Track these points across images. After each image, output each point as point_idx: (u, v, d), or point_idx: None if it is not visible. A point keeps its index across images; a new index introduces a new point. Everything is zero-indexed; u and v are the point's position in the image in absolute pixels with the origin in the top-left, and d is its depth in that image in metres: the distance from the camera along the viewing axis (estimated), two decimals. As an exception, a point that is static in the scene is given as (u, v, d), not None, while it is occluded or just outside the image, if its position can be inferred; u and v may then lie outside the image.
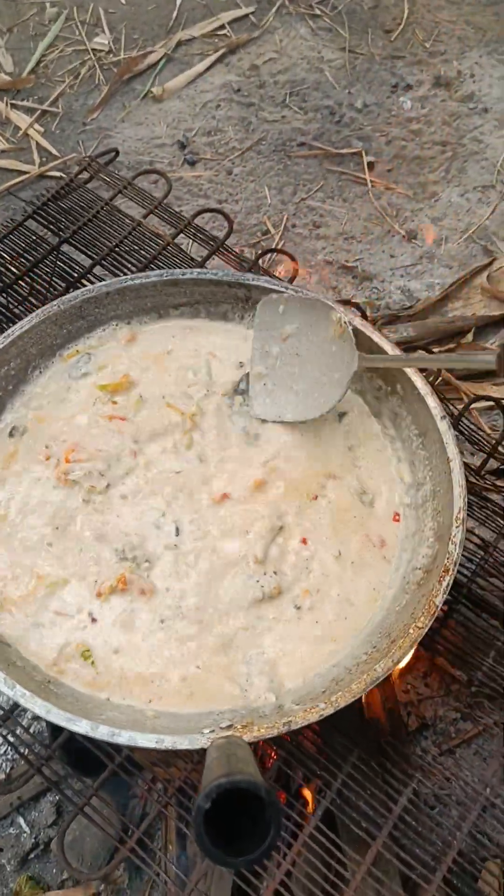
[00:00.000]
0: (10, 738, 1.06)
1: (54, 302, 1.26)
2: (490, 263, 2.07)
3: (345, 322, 1.17)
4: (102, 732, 0.90)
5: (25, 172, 2.18)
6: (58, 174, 2.20)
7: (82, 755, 1.13)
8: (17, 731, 1.16)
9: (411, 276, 2.06)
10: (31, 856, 1.30)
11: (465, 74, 2.51)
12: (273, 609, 1.07)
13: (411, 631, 0.98)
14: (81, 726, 0.91)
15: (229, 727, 0.94)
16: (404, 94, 2.46)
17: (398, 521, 1.17)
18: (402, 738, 1.38)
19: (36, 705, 0.91)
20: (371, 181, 2.24)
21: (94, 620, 1.05)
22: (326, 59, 2.53)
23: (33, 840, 1.30)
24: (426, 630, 0.98)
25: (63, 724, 0.91)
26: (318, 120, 2.37)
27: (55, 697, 0.96)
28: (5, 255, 1.51)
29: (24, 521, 1.11)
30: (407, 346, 1.81)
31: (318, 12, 2.65)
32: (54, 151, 2.24)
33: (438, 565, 1.04)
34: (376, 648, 1.02)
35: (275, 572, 1.09)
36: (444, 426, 1.14)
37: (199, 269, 1.33)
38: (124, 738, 0.90)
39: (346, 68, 2.51)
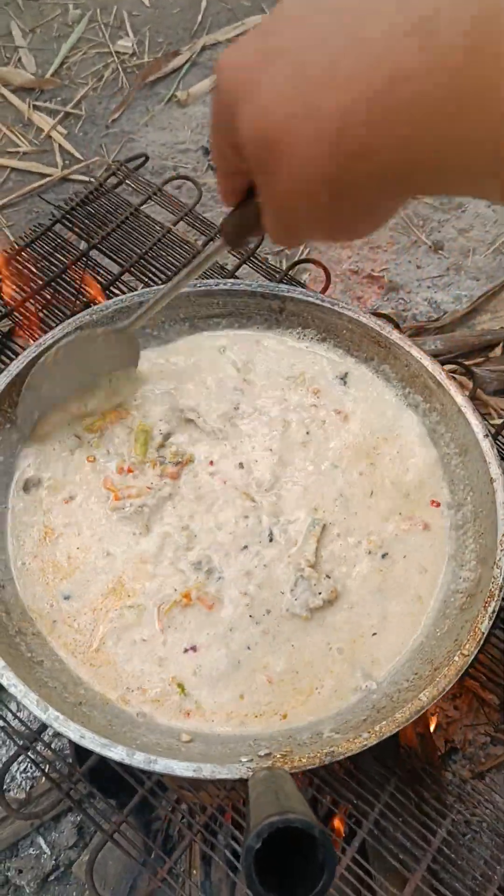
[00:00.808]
0: (38, 760, 1.03)
1: (86, 311, 1.24)
2: (518, 276, 2.04)
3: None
4: (138, 760, 0.87)
5: (48, 175, 2.15)
6: (81, 177, 2.17)
7: (108, 776, 1.10)
8: (40, 749, 1.13)
9: (438, 287, 2.03)
10: (52, 878, 1.26)
11: None
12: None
13: (456, 658, 0.95)
14: (117, 753, 0.87)
15: (268, 755, 0.91)
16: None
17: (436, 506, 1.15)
18: (437, 764, 1.34)
19: (70, 730, 0.88)
20: (397, 190, 2.21)
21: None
22: (352, 66, 2.50)
23: (54, 861, 1.26)
24: (472, 658, 0.96)
25: (98, 750, 0.88)
26: (343, 127, 2.34)
27: (87, 719, 0.93)
28: (32, 261, 1.48)
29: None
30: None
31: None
32: (77, 154, 2.22)
33: (483, 590, 1.01)
34: (418, 675, 0.99)
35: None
36: (486, 445, 1.11)
37: (232, 280, 1.30)
38: (161, 765, 0.87)
39: (371, 76, 2.48)
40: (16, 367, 1.16)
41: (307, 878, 0.69)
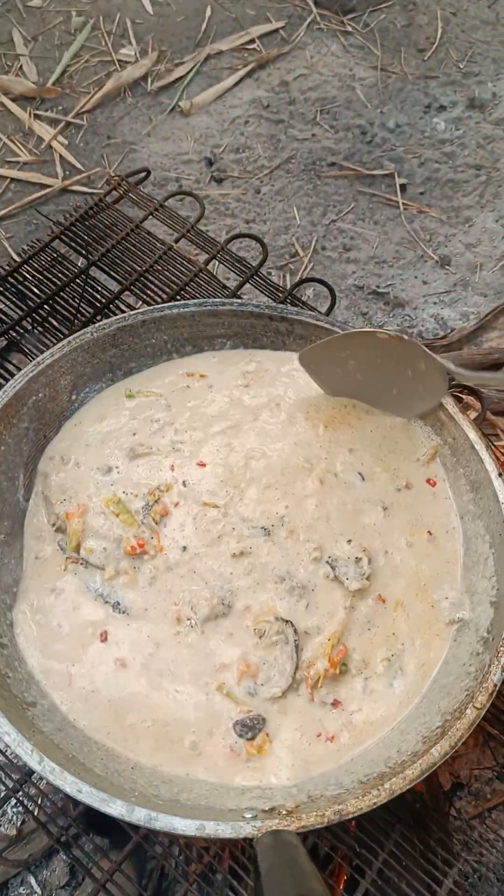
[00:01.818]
0: (28, 805, 0.98)
1: (87, 329, 1.20)
2: (526, 293, 2.00)
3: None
4: (139, 817, 0.83)
5: (48, 186, 2.11)
6: (81, 188, 2.13)
7: (102, 816, 1.06)
8: (29, 789, 1.08)
9: (445, 303, 1.99)
10: (43, 919, 1.22)
11: (501, 97, 2.45)
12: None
13: (469, 711, 0.90)
14: (116, 808, 0.83)
15: (272, 810, 0.87)
16: (437, 115, 2.39)
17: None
18: (442, 808, 1.30)
19: (66, 783, 0.84)
20: (403, 204, 2.17)
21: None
22: (358, 76, 2.47)
23: (45, 903, 1.22)
24: (485, 711, 0.91)
25: (96, 805, 0.83)
26: (348, 139, 2.30)
27: (83, 770, 0.88)
28: (30, 277, 1.44)
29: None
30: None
31: (349, 29, 2.58)
32: (78, 165, 2.17)
33: (495, 637, 0.96)
34: (427, 726, 0.95)
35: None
36: (499, 484, 1.07)
37: (238, 301, 1.26)
38: (161, 823, 0.83)
39: (377, 87, 2.44)
40: (12, 387, 1.12)
41: None
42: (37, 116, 2.27)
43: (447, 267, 2.07)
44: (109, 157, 2.20)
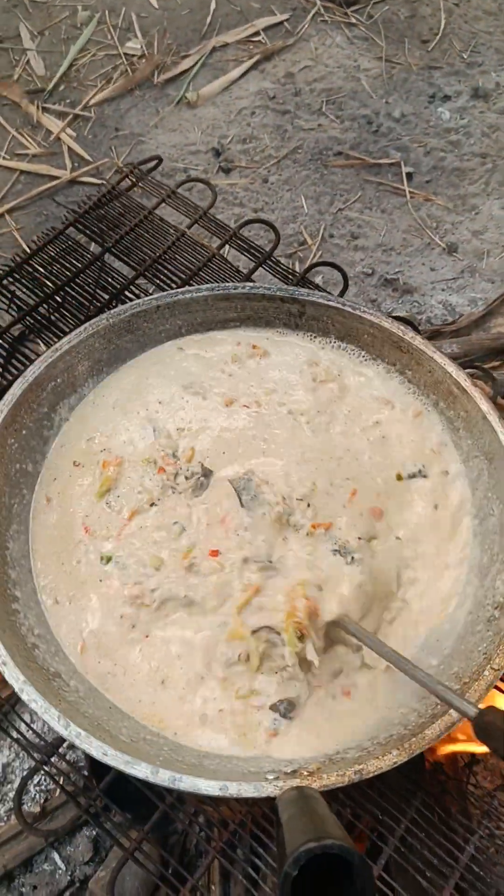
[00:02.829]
0: (54, 774, 1.01)
1: (103, 315, 1.22)
2: (533, 279, 2.01)
3: None
4: (163, 778, 0.85)
5: (57, 178, 2.13)
6: (90, 180, 2.15)
7: (126, 789, 1.08)
8: (55, 762, 1.10)
9: (453, 290, 2.01)
10: (66, 893, 1.24)
11: (504, 86, 2.47)
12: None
13: (486, 673, 0.93)
14: (141, 770, 0.85)
15: (294, 773, 0.89)
16: (442, 105, 2.41)
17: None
18: (462, 778, 1.31)
19: (92, 746, 0.86)
20: (410, 192, 2.19)
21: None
22: (363, 67, 2.48)
23: (69, 877, 1.24)
24: (502, 672, 0.93)
25: (121, 767, 0.85)
26: (354, 129, 2.32)
27: (109, 736, 0.91)
28: (45, 264, 1.46)
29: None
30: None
31: (353, 21, 2.60)
32: (86, 156, 2.19)
33: (512, 601, 0.99)
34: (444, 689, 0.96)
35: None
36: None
37: (251, 284, 1.28)
38: (186, 784, 0.85)
39: (382, 77, 2.46)
40: (32, 372, 1.14)
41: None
42: (45, 109, 2.29)
43: (454, 254, 2.09)
44: (117, 148, 2.22)
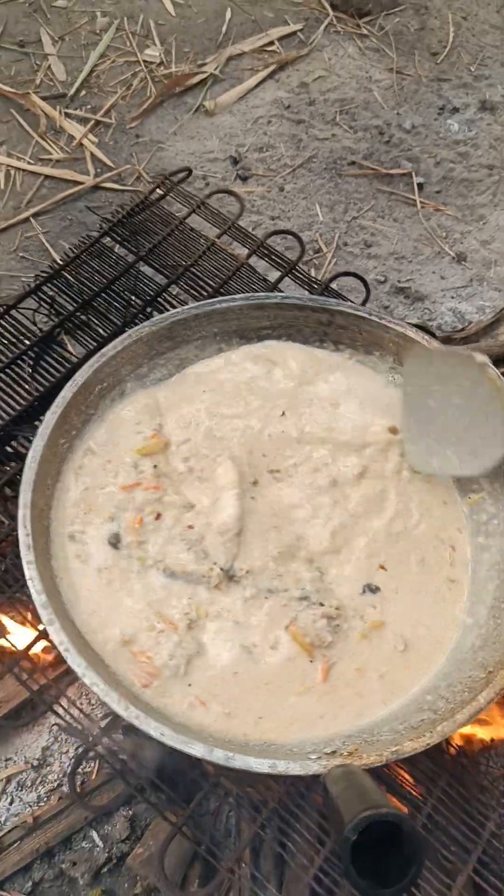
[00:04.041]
0: (107, 757, 1.08)
1: (146, 323, 1.28)
2: (539, 288, 2.09)
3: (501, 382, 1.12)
4: (217, 756, 0.92)
5: (81, 183, 2.19)
6: (113, 185, 2.21)
7: (167, 772, 1.15)
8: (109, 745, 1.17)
9: (462, 297, 2.09)
10: (104, 870, 1.31)
11: (511, 99, 2.55)
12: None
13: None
14: (197, 749, 0.92)
15: (333, 753, 0.96)
16: (451, 117, 2.48)
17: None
18: (479, 762, 1.40)
19: (150, 727, 0.93)
20: (420, 202, 2.27)
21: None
22: (374, 78, 2.55)
23: (106, 854, 1.31)
24: (527, 661, 1.01)
25: (179, 746, 0.92)
26: (367, 139, 2.39)
27: (163, 718, 0.98)
28: (82, 271, 1.52)
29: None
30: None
31: (365, 32, 2.67)
32: (109, 162, 2.26)
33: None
34: (472, 679, 1.04)
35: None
36: None
37: (282, 294, 1.36)
38: (238, 762, 0.92)
39: (393, 89, 2.53)
40: (81, 376, 1.21)
41: (395, 867, 0.74)
42: (67, 115, 2.35)
43: (463, 263, 2.16)
44: (138, 154, 2.29)
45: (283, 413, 1.26)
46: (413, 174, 2.32)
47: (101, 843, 1.31)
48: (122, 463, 1.18)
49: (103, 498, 1.16)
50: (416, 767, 1.10)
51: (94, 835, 1.32)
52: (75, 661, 0.96)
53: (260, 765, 0.92)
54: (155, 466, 1.17)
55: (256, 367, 1.32)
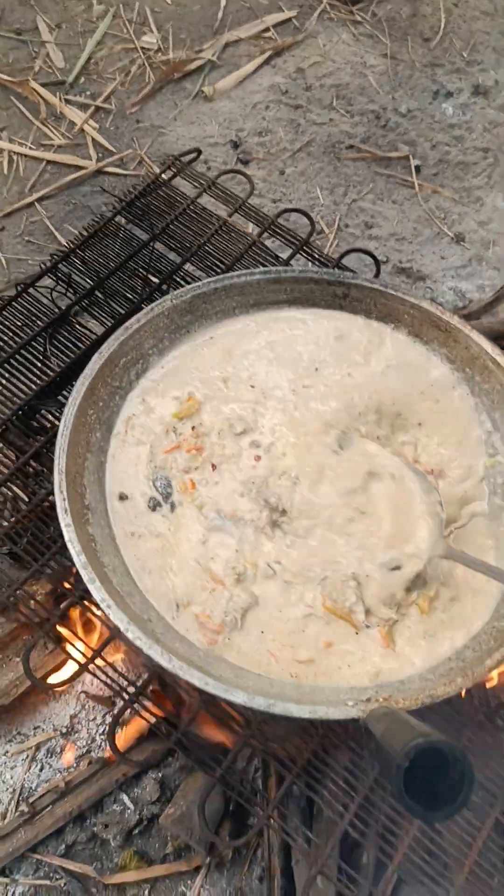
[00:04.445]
0: (143, 713, 1.11)
1: (167, 297, 1.31)
2: (536, 267, 2.14)
3: (439, 507, 1.15)
4: (259, 703, 0.96)
5: (83, 168, 2.21)
6: (115, 170, 2.23)
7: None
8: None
9: (462, 277, 2.13)
10: (135, 832, 1.34)
11: (503, 84, 2.59)
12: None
13: None
14: (238, 696, 0.96)
15: (368, 700, 1.00)
16: (445, 101, 2.53)
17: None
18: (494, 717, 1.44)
19: (193, 677, 0.96)
20: (418, 184, 2.31)
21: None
22: (369, 64, 2.59)
23: (137, 816, 1.34)
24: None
25: (222, 694, 0.96)
26: (364, 123, 2.43)
27: (202, 669, 1.01)
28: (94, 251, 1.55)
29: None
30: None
31: (358, 18, 2.70)
32: (110, 147, 2.28)
33: None
34: (496, 628, 1.08)
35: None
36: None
37: (300, 268, 1.39)
38: (279, 708, 0.96)
39: (388, 74, 2.57)
40: (107, 349, 1.24)
41: (443, 794, 0.78)
42: (67, 102, 2.37)
43: (462, 243, 2.21)
44: (139, 139, 2.31)
45: (317, 369, 1.30)
46: (410, 157, 2.36)
47: (131, 806, 1.35)
48: (162, 427, 1.24)
49: (148, 459, 1.21)
50: (442, 718, 1.14)
51: (125, 797, 1.35)
52: (118, 617, 1.00)
53: (301, 710, 0.96)
54: (193, 428, 1.21)
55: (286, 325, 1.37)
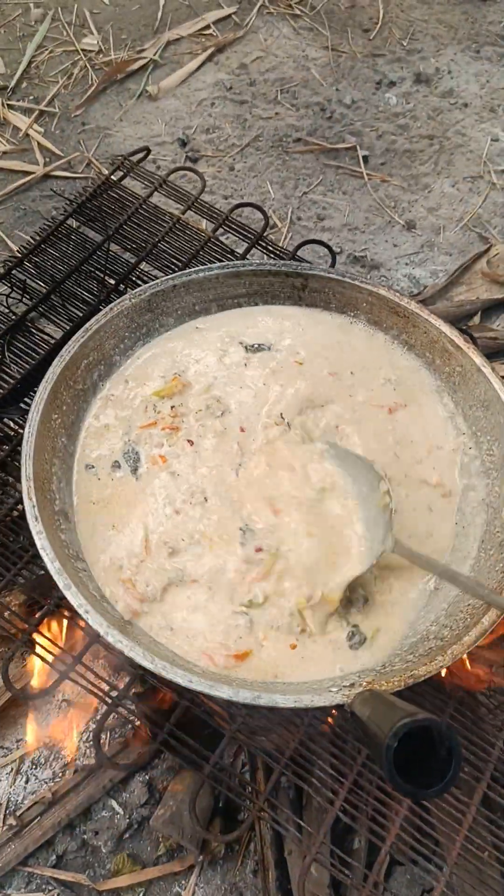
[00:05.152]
0: (129, 715, 1.10)
1: (125, 296, 1.31)
2: (487, 250, 2.17)
3: (388, 499, 1.13)
4: (244, 696, 0.96)
5: (30, 173, 2.18)
6: (63, 174, 2.21)
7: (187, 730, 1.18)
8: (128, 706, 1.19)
9: (415, 263, 2.15)
10: (126, 836, 1.33)
11: (443, 71, 2.62)
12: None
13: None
14: (224, 692, 0.96)
15: (352, 686, 1.01)
16: (388, 91, 2.55)
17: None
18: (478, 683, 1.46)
19: (177, 675, 0.96)
20: (367, 174, 2.33)
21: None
22: (311, 57, 2.60)
23: (127, 820, 1.33)
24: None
25: (206, 691, 0.96)
26: (310, 116, 2.44)
27: (187, 667, 1.01)
28: (48, 255, 1.53)
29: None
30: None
31: (297, 12, 2.72)
32: (57, 151, 2.25)
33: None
34: (472, 606, 1.10)
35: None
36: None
37: (258, 261, 1.39)
38: (265, 699, 0.96)
39: (330, 66, 2.59)
40: (68, 351, 1.23)
41: (432, 774, 0.78)
42: (9, 107, 2.34)
43: (413, 230, 2.23)
44: (86, 142, 2.29)
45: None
46: (357, 148, 2.37)
47: (121, 811, 1.34)
48: (142, 403, 1.27)
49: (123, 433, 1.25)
50: (424, 699, 1.15)
51: (114, 803, 1.34)
52: (97, 622, 0.99)
53: (286, 701, 0.96)
54: (172, 407, 1.23)
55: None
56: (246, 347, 1.34)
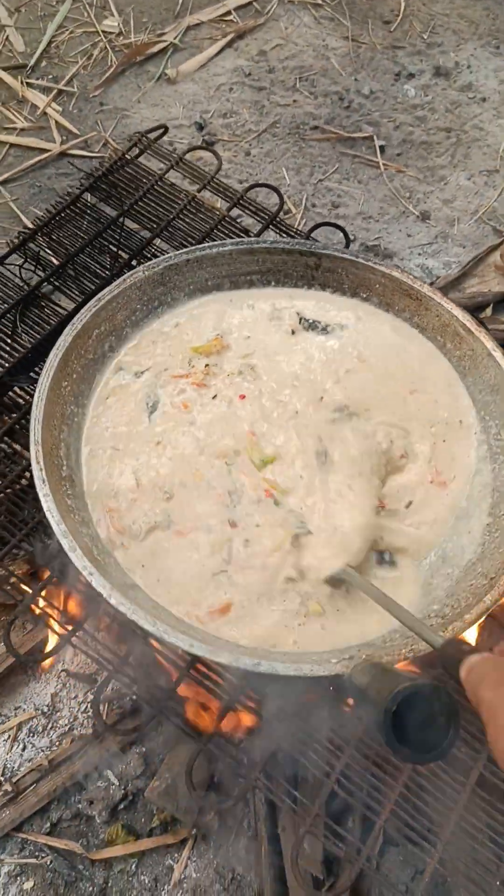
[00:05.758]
0: (130, 685, 1.10)
1: (139, 268, 1.31)
2: (501, 243, 2.17)
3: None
4: (245, 662, 0.96)
5: (47, 150, 2.19)
6: (79, 152, 2.21)
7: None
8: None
9: (429, 254, 2.15)
10: (121, 807, 1.34)
11: (463, 65, 2.62)
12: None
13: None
14: (224, 657, 0.96)
15: (351, 658, 1.01)
16: (407, 83, 2.55)
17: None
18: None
19: (179, 640, 0.96)
20: (383, 164, 2.32)
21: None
22: (331, 46, 2.60)
23: (122, 791, 1.34)
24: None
25: (207, 655, 0.96)
26: (328, 105, 2.44)
27: (189, 631, 1.01)
28: (62, 229, 1.53)
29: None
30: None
31: (319, 2, 2.71)
32: (74, 130, 2.26)
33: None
34: (474, 586, 1.10)
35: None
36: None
37: (272, 239, 1.39)
38: (265, 667, 0.96)
39: (350, 56, 2.58)
40: (80, 320, 1.23)
41: (431, 740, 0.78)
42: (28, 85, 2.34)
43: (427, 221, 2.23)
44: (103, 122, 2.29)
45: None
46: (374, 137, 2.37)
47: (116, 781, 1.34)
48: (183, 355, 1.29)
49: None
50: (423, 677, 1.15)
51: (110, 773, 1.35)
52: (99, 584, 0.99)
53: (286, 669, 0.96)
54: (207, 365, 1.26)
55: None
56: (301, 321, 1.36)
